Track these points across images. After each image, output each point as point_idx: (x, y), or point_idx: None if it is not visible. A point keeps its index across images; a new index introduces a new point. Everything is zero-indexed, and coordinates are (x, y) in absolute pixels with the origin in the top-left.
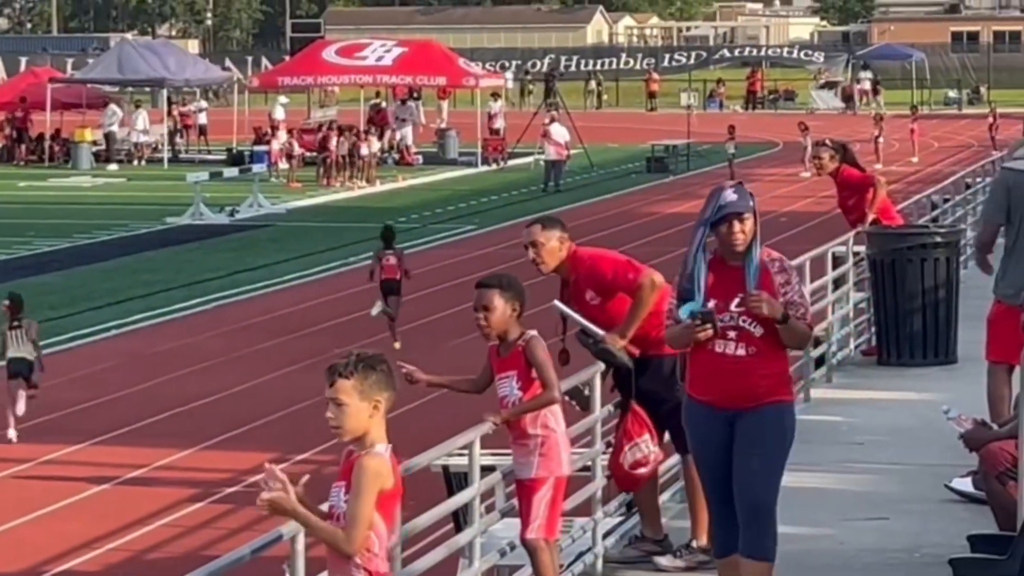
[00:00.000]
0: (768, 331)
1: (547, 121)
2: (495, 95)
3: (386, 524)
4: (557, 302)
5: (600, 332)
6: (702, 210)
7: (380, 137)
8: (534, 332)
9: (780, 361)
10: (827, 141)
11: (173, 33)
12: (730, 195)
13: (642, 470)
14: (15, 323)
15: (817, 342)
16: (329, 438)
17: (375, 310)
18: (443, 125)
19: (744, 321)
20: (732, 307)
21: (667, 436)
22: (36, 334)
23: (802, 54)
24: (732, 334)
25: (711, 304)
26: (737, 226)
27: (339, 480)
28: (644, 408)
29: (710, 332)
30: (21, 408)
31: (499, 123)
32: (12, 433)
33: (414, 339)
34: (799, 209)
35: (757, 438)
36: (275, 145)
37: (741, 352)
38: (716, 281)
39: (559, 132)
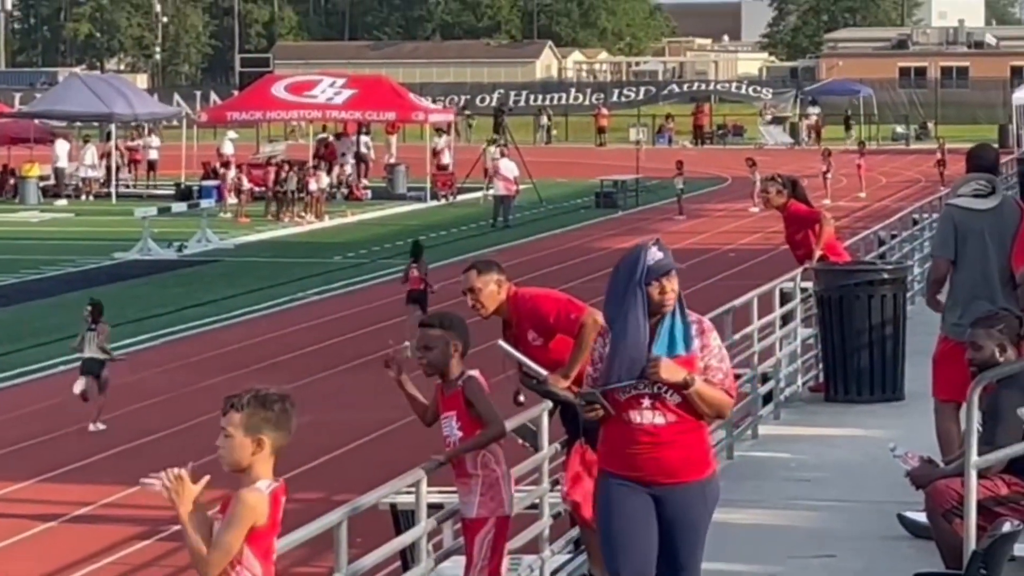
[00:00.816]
0: (686, 398)
1: (496, 156)
2: (439, 130)
3: (261, 561)
4: (501, 342)
5: (543, 372)
6: (622, 272)
7: (328, 172)
8: (474, 372)
9: (700, 430)
10: (777, 176)
11: (122, 68)
12: (656, 252)
13: (564, 506)
14: (92, 326)
15: (765, 379)
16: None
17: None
18: (392, 160)
19: (659, 388)
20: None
21: None
22: (106, 338)
23: (750, 89)
24: (647, 402)
25: (640, 374)
26: (668, 284)
27: (218, 512)
28: (590, 445)
29: (600, 413)
30: (79, 387)
31: (447, 158)
32: (94, 426)
33: (364, 376)
34: (747, 244)
35: (684, 521)
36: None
37: (659, 420)
38: None
39: (508, 167)
